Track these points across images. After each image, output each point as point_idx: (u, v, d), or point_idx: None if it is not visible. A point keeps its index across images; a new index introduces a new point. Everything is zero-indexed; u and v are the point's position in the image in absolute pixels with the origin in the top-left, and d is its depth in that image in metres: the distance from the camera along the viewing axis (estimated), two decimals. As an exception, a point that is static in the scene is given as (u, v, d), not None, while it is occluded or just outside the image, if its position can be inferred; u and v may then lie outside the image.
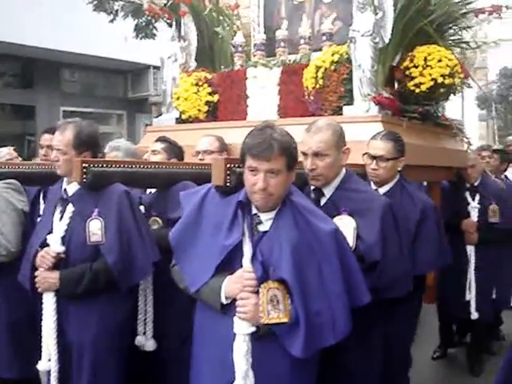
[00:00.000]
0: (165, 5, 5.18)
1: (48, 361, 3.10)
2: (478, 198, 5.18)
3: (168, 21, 5.23)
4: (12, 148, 5.13)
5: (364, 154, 3.53)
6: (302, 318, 2.38)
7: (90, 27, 10.48)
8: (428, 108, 4.44)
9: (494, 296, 5.23)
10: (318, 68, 4.13)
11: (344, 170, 3.12)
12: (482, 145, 7.17)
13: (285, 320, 2.40)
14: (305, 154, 3.02)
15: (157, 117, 5.31)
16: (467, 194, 5.22)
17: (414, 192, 3.64)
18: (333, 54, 4.13)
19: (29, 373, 3.53)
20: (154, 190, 3.71)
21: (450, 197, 5.27)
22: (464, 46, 5.03)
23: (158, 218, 3.53)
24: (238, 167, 2.64)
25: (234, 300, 2.47)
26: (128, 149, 4.65)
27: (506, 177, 6.42)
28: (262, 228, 2.55)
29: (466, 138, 5.04)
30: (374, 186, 3.59)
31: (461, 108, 27.96)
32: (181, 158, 3.97)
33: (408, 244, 3.36)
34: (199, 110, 4.83)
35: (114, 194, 3.13)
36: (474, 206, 5.15)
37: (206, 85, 4.82)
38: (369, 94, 3.93)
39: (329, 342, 2.46)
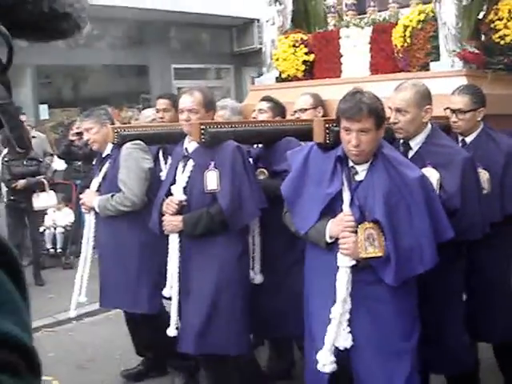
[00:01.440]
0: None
1: (171, 288, 3.72)
2: None
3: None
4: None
5: (446, 109, 3.85)
6: (392, 252, 2.86)
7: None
8: (513, 58, 4.66)
9: None
10: (405, 27, 4.44)
11: (430, 126, 3.48)
12: None
13: (380, 254, 2.88)
14: (390, 108, 3.42)
15: (258, 76, 5.74)
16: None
17: (499, 138, 3.87)
18: (419, 14, 4.41)
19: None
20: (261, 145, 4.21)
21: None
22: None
23: (264, 170, 4.02)
24: (336, 127, 3.10)
25: (337, 239, 2.97)
26: (234, 107, 5.16)
27: None
28: (358, 178, 3.03)
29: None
30: (460, 137, 3.92)
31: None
32: (283, 115, 4.44)
33: (496, 186, 3.70)
34: (297, 69, 5.24)
35: (228, 149, 3.64)
36: None
37: (302, 45, 5.21)
38: (454, 50, 4.21)
39: (418, 270, 2.95)
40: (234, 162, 3.62)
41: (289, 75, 5.30)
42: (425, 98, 3.42)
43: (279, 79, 5.44)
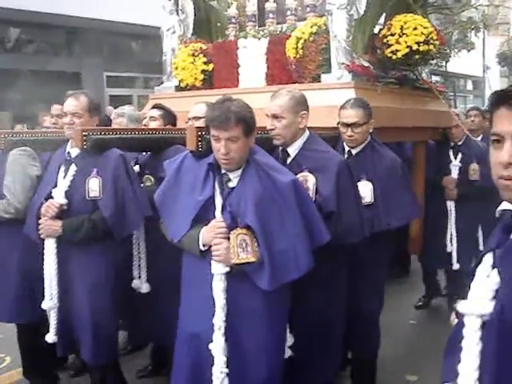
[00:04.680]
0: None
1: (50, 299, 3.58)
2: (460, 156, 5.48)
3: (168, -6, 5.56)
4: None
5: (338, 123, 3.86)
6: (266, 257, 2.83)
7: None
8: (406, 73, 4.77)
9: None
10: (298, 39, 4.48)
11: (307, 133, 3.50)
12: (472, 106, 7.41)
13: (253, 260, 2.84)
14: (267, 115, 3.43)
15: (158, 85, 5.70)
16: (450, 153, 5.53)
17: (383, 151, 3.93)
18: (312, 26, 4.46)
19: (40, 318, 4.04)
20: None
21: (435, 155, 5.60)
22: (447, 11, 5.30)
23: (150, 176, 3.96)
24: (208, 134, 3.07)
25: (211, 246, 2.91)
26: (132, 115, 5.08)
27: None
28: (231, 185, 2.99)
29: (448, 99, 5.34)
30: (346, 148, 3.95)
31: (481, 65, 27.79)
32: (174, 123, 4.39)
33: (379, 197, 3.77)
34: (196, 79, 5.22)
35: (111, 157, 3.56)
36: (455, 164, 5.46)
37: (201, 55, 5.19)
38: (343, 63, 4.27)
39: (293, 275, 2.90)
40: (117, 170, 3.54)
41: (187, 84, 5.27)
42: (300, 104, 3.44)
43: (178, 88, 5.39)
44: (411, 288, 6.31)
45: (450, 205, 5.43)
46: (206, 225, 2.96)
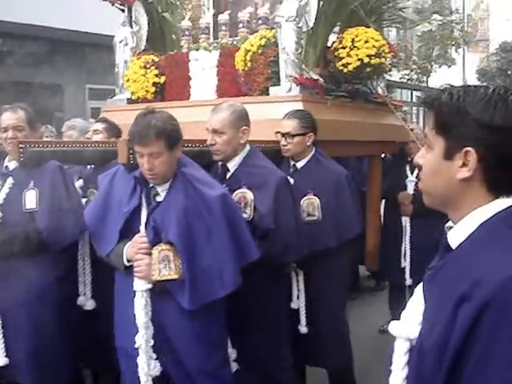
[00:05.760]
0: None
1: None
2: (416, 172, 5.45)
3: (121, 6, 5.48)
4: None
5: (277, 133, 3.82)
6: (187, 274, 2.74)
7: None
8: (358, 86, 4.72)
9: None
10: (246, 51, 4.42)
11: (248, 147, 3.44)
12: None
13: (175, 277, 2.76)
14: (208, 130, 3.35)
15: (111, 97, 5.61)
16: (407, 168, 5.49)
17: (328, 164, 3.88)
18: (260, 38, 4.40)
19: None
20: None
21: (391, 169, 5.56)
22: (399, 25, 5.28)
23: (94, 190, 3.86)
24: (139, 148, 2.98)
25: None
26: (83, 128, 5.01)
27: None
28: (158, 199, 2.91)
29: (403, 113, 5.31)
30: (292, 162, 3.90)
31: (462, 80, 28.13)
32: (119, 136, 4.30)
33: (327, 212, 3.70)
34: (147, 91, 5.13)
35: (48, 169, 3.49)
36: (411, 180, 5.41)
37: (153, 67, 5.11)
38: (291, 76, 4.20)
39: (218, 294, 2.84)
40: (54, 182, 3.46)
41: (139, 97, 5.18)
42: (241, 118, 3.38)
43: (130, 101, 5.30)
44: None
45: (405, 220, 5.37)
46: (131, 239, 2.88)
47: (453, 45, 21.18)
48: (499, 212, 1.34)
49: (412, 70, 20.12)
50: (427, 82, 22.11)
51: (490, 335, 1.18)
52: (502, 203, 1.35)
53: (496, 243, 1.29)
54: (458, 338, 1.21)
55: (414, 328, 1.40)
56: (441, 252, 1.45)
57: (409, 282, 5.36)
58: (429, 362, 1.29)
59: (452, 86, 1.43)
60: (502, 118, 1.30)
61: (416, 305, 1.44)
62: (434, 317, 1.32)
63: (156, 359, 2.86)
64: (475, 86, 1.39)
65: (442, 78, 23.47)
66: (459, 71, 27.76)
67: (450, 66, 22.07)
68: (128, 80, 5.20)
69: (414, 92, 27.43)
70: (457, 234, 1.39)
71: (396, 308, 5.84)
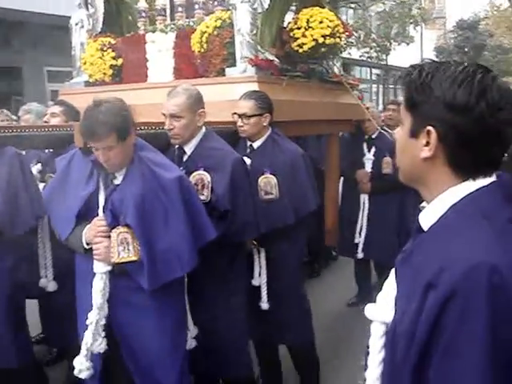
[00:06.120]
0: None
1: None
2: (373, 150, 5.55)
3: (77, -12, 5.44)
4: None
5: (233, 114, 3.86)
6: (145, 255, 2.79)
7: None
8: (313, 66, 4.78)
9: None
10: (202, 33, 4.44)
11: (203, 130, 3.48)
12: (391, 99, 7.54)
13: (134, 259, 2.81)
14: (165, 115, 3.38)
15: (69, 80, 5.58)
16: (364, 146, 5.59)
17: (284, 144, 3.93)
18: (216, 20, 4.43)
19: None
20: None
21: (349, 148, 5.66)
22: (355, 5, 5.35)
23: (52, 174, 3.87)
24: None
25: None
26: (39, 111, 4.98)
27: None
28: (116, 181, 2.95)
29: (359, 92, 5.39)
30: (248, 142, 3.95)
31: (419, 58, 28.40)
32: (77, 119, 4.29)
33: (284, 190, 3.76)
34: (104, 74, 5.12)
35: (5, 155, 3.46)
36: (368, 158, 5.52)
37: (110, 50, 5.10)
38: (247, 57, 4.24)
39: (177, 274, 2.90)
40: (11, 169, 3.43)
41: (96, 79, 5.17)
42: (198, 102, 3.41)
43: (88, 83, 5.29)
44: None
45: (364, 198, 5.48)
46: (90, 223, 2.92)
47: (411, 23, 21.38)
48: (469, 194, 1.32)
49: (371, 48, 20.28)
50: (386, 59, 22.32)
51: (455, 327, 1.17)
52: (472, 185, 1.33)
53: (464, 228, 1.27)
54: (425, 326, 1.21)
55: (389, 312, 1.40)
56: (413, 234, 1.43)
57: (361, 255, 5.50)
58: (400, 348, 1.30)
59: (432, 61, 1.40)
60: (465, 97, 1.27)
61: (390, 288, 1.44)
62: (404, 302, 1.32)
63: (104, 337, 2.93)
64: (448, 63, 1.35)
65: (400, 55, 23.76)
66: (417, 49, 28.02)
67: (408, 44, 22.29)
68: (85, 63, 5.18)
69: (374, 70, 27.62)
70: (428, 215, 1.38)
71: (362, 281, 6.02)
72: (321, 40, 4.55)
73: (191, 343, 3.24)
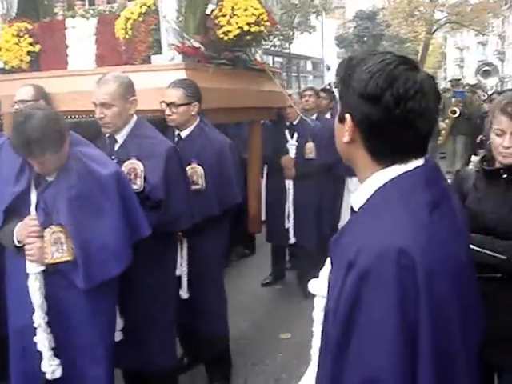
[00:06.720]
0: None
1: None
2: (296, 136, 5.63)
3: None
4: None
5: (162, 102, 3.81)
6: (79, 255, 2.73)
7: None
8: (238, 54, 4.77)
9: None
10: (127, 19, 4.34)
11: (135, 118, 3.42)
12: (306, 87, 7.68)
13: (68, 258, 2.74)
14: (95, 104, 3.29)
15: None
16: (286, 132, 5.66)
17: (212, 134, 3.93)
18: (141, 6, 4.34)
19: None
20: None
21: (271, 135, 5.70)
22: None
23: None
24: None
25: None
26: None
27: (331, 115, 6.87)
28: (49, 179, 2.84)
29: (281, 80, 5.43)
30: (176, 131, 3.91)
31: (321, 46, 28.97)
32: None
33: (210, 181, 3.76)
34: (21, 60, 4.93)
35: None
36: (291, 144, 5.61)
37: (26, 35, 4.91)
38: (173, 44, 4.19)
39: (113, 273, 2.86)
40: None
41: (13, 67, 4.97)
42: (129, 89, 3.35)
43: (3, 71, 5.08)
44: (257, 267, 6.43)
45: (289, 183, 5.56)
46: (21, 220, 2.82)
47: (313, 12, 21.67)
48: (393, 179, 1.39)
49: (275, 37, 20.38)
50: (289, 48, 22.56)
51: (368, 304, 1.25)
52: (397, 169, 1.40)
53: (383, 212, 1.35)
54: (344, 303, 1.28)
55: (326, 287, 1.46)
56: (350, 215, 1.53)
57: (293, 240, 5.59)
58: (328, 323, 1.38)
59: (365, 53, 1.47)
60: (373, 89, 1.35)
61: (329, 265, 1.51)
62: (334, 279, 1.39)
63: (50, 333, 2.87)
64: (374, 55, 1.42)
65: (303, 44, 24.09)
66: (319, 37, 28.49)
67: (310, 33, 22.62)
68: (0, 49, 4.96)
69: (276, 58, 27.84)
70: (358, 197, 1.46)
71: (278, 264, 6.12)
72: (246, 28, 4.53)
73: (117, 336, 3.21)
